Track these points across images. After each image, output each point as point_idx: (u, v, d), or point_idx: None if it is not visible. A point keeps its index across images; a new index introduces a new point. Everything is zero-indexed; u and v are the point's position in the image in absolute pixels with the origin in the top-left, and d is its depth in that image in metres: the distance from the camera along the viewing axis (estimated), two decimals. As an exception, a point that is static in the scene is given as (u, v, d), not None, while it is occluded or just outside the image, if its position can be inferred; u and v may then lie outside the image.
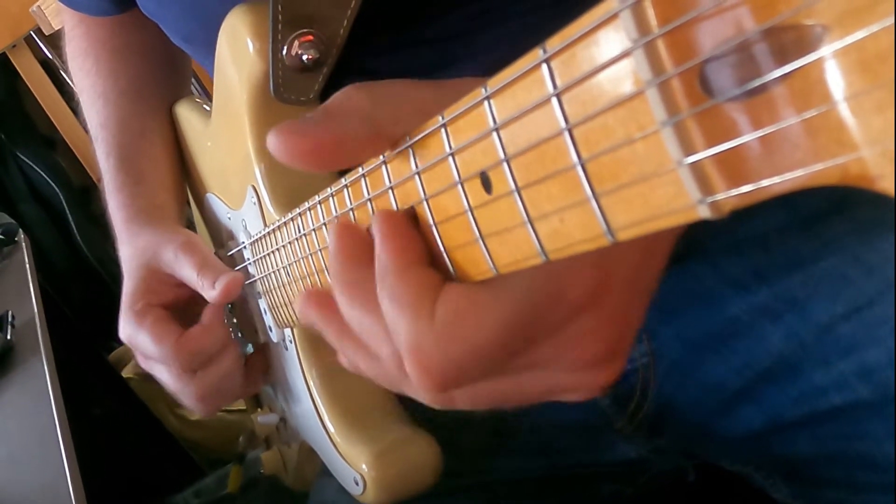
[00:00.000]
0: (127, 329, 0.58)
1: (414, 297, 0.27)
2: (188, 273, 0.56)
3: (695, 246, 0.53)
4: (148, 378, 1.51)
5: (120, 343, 1.80)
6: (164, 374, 0.57)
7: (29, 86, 1.75)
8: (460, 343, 0.27)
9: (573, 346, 0.29)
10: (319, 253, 0.38)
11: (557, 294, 0.27)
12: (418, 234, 0.29)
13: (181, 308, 0.59)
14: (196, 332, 0.55)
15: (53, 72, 1.81)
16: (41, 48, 1.82)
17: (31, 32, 1.72)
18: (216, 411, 0.60)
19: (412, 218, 0.29)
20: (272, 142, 0.29)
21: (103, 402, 1.33)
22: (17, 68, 1.74)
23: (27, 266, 1.13)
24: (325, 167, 0.30)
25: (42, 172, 1.84)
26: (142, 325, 0.57)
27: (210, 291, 0.54)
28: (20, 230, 1.27)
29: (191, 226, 0.66)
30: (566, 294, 0.28)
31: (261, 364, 0.62)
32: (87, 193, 1.89)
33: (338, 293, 0.31)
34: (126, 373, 1.49)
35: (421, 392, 0.29)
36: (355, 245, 0.31)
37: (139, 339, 0.57)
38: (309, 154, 0.29)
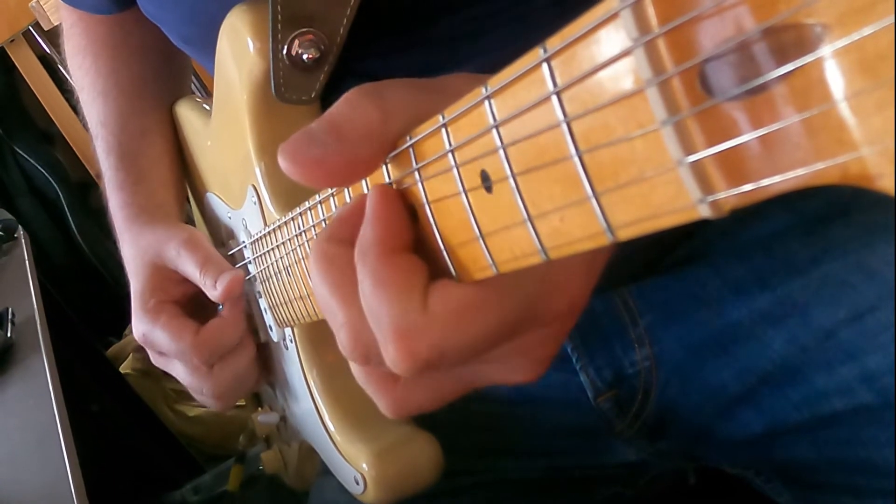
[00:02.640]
0: (141, 327, 0.58)
1: (402, 281, 0.27)
2: (191, 270, 0.56)
3: (697, 250, 0.53)
4: (146, 374, 1.51)
5: (117, 338, 1.80)
6: (182, 371, 0.57)
7: (27, 80, 1.75)
8: (459, 337, 0.26)
9: (535, 347, 0.30)
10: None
11: (546, 303, 0.28)
12: (410, 221, 0.29)
13: (190, 302, 0.59)
14: (215, 326, 0.55)
15: (51, 66, 1.81)
16: (39, 43, 1.81)
17: (30, 27, 1.71)
18: (233, 405, 0.60)
19: (408, 207, 0.29)
20: (284, 164, 0.28)
21: (101, 399, 1.33)
22: (16, 63, 1.73)
23: (27, 262, 1.13)
24: (338, 186, 0.30)
25: (40, 167, 1.83)
26: (156, 322, 0.57)
27: (212, 291, 0.54)
28: (19, 226, 1.27)
29: (190, 224, 0.66)
30: (552, 304, 0.28)
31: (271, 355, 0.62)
32: (85, 188, 1.88)
33: (313, 260, 0.30)
34: (124, 368, 1.49)
35: (396, 370, 0.28)
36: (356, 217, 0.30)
37: (155, 336, 0.57)
38: (324, 178, 0.29)
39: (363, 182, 0.31)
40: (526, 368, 0.31)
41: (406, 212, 0.29)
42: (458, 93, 0.25)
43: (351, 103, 0.29)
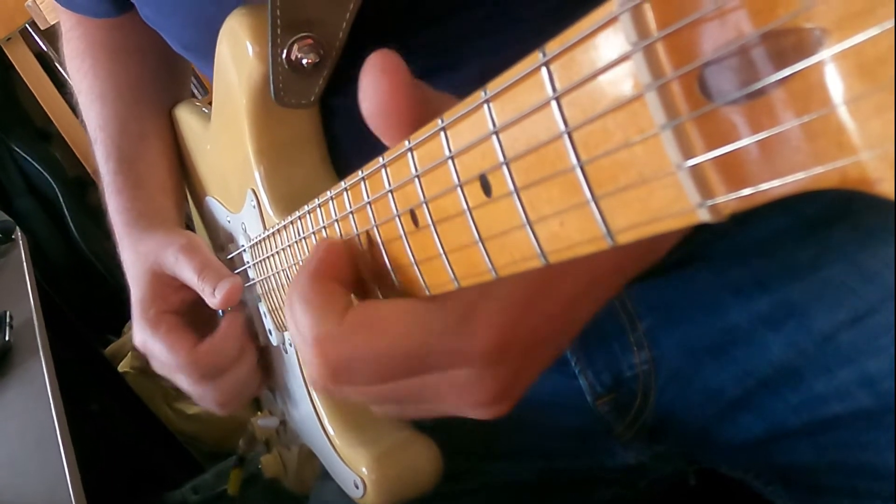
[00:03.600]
0: (140, 336, 0.58)
1: (323, 300, 0.31)
2: (189, 276, 0.56)
3: (696, 252, 0.52)
4: (144, 372, 1.50)
5: (116, 336, 1.79)
6: (182, 382, 0.57)
7: (24, 78, 1.74)
8: (366, 349, 0.30)
9: (462, 388, 0.32)
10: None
11: (460, 344, 0.30)
12: (351, 262, 0.33)
13: (191, 309, 0.59)
14: (211, 344, 0.56)
15: (48, 64, 1.80)
16: (36, 41, 1.81)
17: (26, 25, 1.71)
18: (238, 410, 0.60)
19: (354, 248, 0.33)
20: (374, 59, 0.28)
21: (100, 398, 1.33)
22: (12, 61, 1.73)
23: (24, 264, 1.13)
24: (377, 120, 0.29)
25: (37, 165, 1.83)
26: (156, 333, 0.57)
27: (211, 298, 0.55)
28: (17, 228, 1.27)
29: (190, 228, 0.66)
30: (467, 348, 0.30)
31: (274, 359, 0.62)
32: (82, 186, 1.88)
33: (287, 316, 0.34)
34: (122, 367, 1.49)
35: (315, 378, 0.32)
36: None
37: (154, 347, 0.57)
38: (385, 105, 0.28)
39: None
40: (469, 411, 0.34)
41: (348, 253, 0.33)
42: None
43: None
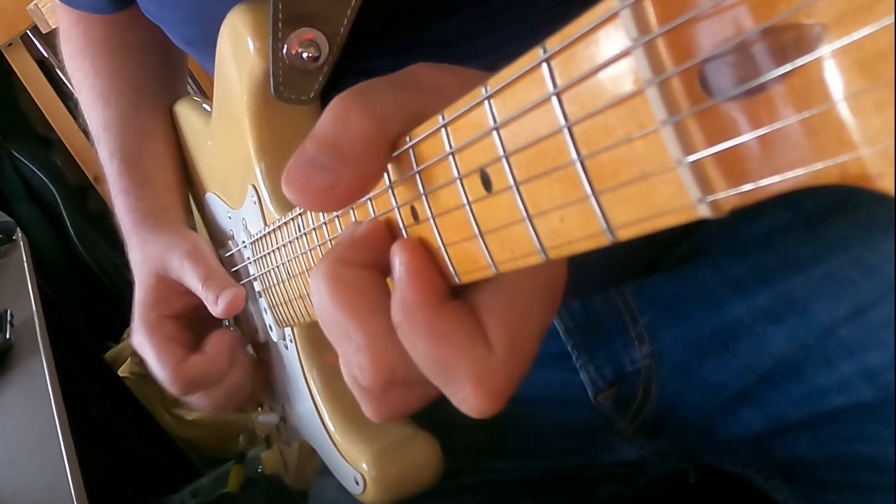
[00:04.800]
0: (137, 338, 0.59)
1: (460, 330, 0.26)
2: (193, 283, 0.56)
3: (697, 248, 0.53)
4: (144, 377, 1.50)
5: (115, 342, 1.79)
6: (171, 389, 0.58)
7: (25, 84, 1.75)
8: (521, 360, 0.27)
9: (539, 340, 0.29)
10: (319, 250, 0.39)
11: (556, 292, 0.28)
12: (437, 266, 0.28)
13: (193, 314, 0.59)
14: (195, 362, 0.56)
15: (49, 71, 1.80)
16: (37, 47, 1.81)
17: (28, 31, 1.71)
18: (230, 414, 0.61)
19: (427, 248, 0.28)
20: (294, 197, 0.27)
21: (99, 402, 1.33)
22: (13, 66, 1.73)
23: (25, 264, 1.13)
24: (350, 204, 0.28)
25: (38, 171, 1.83)
26: (151, 340, 0.57)
27: (213, 307, 0.55)
28: (17, 228, 1.27)
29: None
30: (558, 289, 0.28)
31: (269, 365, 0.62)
32: (83, 192, 1.88)
33: (322, 284, 0.29)
34: (122, 372, 1.49)
35: (479, 415, 0.28)
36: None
37: (146, 352, 0.58)
38: (337, 201, 0.27)
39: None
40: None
41: (432, 259, 0.28)
42: (436, 86, 0.25)
43: (340, 118, 0.27)
